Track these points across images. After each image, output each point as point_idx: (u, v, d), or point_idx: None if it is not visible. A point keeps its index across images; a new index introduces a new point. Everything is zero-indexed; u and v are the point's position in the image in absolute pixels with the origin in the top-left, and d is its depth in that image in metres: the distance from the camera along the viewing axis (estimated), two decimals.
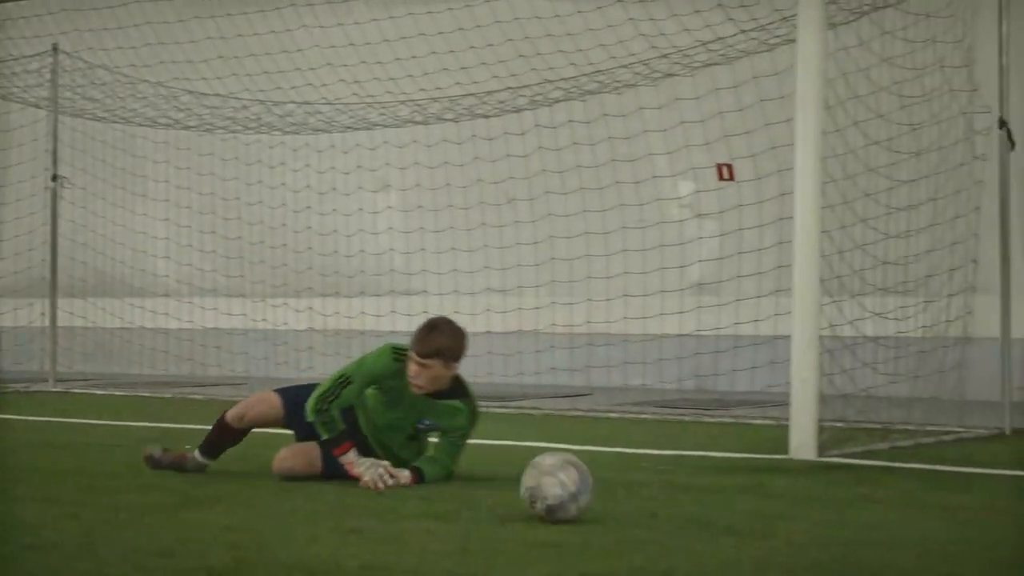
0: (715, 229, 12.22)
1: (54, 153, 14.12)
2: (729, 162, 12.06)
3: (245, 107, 12.77)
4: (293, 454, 6.87)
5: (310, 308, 13.74)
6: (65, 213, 14.70)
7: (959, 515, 6.00)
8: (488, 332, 12.67)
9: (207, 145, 14.00)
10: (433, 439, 6.90)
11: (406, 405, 6.74)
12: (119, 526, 5.50)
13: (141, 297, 15.31)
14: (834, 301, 8.83)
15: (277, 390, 6.96)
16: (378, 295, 13.47)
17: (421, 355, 6.55)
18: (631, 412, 10.76)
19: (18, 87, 13.95)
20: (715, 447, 8.59)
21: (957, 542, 5.28)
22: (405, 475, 6.60)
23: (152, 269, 15.23)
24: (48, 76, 13.81)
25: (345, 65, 12.05)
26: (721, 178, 12.35)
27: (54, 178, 14.08)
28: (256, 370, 14.07)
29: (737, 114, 11.14)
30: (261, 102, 12.68)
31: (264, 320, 13.94)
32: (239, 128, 13.28)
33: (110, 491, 6.48)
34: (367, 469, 6.51)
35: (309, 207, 13.59)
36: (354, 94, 12.18)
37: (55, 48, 13.69)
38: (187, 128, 13.48)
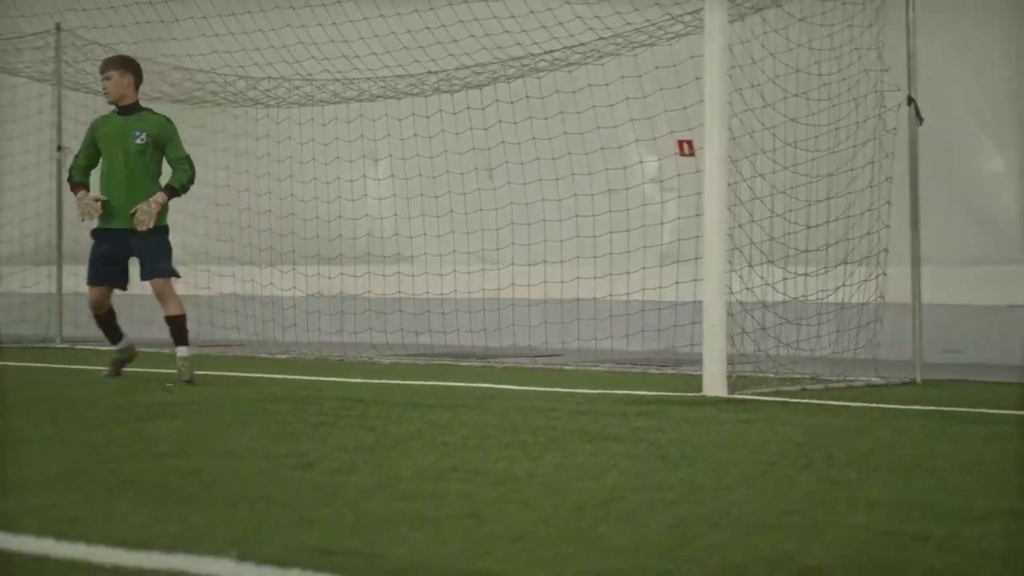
0: (676, 201, 12.70)
1: (58, 125, 14.98)
2: (690, 138, 12.61)
3: (230, 83, 13.59)
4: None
5: (293, 269, 14.49)
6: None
7: (830, 429, 6.93)
8: (456, 293, 13.49)
9: (199, 118, 14.76)
10: None
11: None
12: (89, 429, 6.53)
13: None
14: (750, 265, 9.71)
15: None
16: (357, 259, 14.18)
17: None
18: (584, 367, 11.59)
19: (23, 63, 14.76)
20: (643, 389, 9.42)
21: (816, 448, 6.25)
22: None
23: None
24: (52, 53, 14.68)
25: (316, 43, 12.84)
26: (682, 153, 12.93)
27: (59, 148, 14.94)
28: (253, 331, 14.67)
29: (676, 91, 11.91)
30: (243, 78, 13.49)
31: (252, 281, 14.68)
32: (224, 102, 14.11)
33: (85, 408, 7.53)
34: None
35: (291, 176, 14.36)
36: (325, 71, 13.00)
37: (58, 27, 14.58)
38: (177, 101, 14.26)
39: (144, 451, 5.79)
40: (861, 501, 4.54)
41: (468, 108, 13.11)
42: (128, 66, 9.91)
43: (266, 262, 14.63)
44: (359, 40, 12.65)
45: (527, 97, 12.81)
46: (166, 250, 9.74)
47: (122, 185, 9.61)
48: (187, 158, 9.75)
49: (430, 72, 12.51)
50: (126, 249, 9.72)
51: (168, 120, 9.84)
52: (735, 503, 4.51)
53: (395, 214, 14.04)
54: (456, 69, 12.35)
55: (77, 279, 15.91)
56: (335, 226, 14.21)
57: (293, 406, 7.89)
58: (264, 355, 12.99)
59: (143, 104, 9.98)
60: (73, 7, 14.20)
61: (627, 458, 5.73)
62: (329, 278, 14.26)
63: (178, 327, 9.82)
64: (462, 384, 9.72)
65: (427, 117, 13.38)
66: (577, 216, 12.86)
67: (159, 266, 9.68)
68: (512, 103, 12.89)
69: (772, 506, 4.46)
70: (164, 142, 9.68)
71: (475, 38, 12.02)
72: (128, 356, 10.31)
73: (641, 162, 12.93)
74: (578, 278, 12.94)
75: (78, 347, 14.51)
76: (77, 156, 10.10)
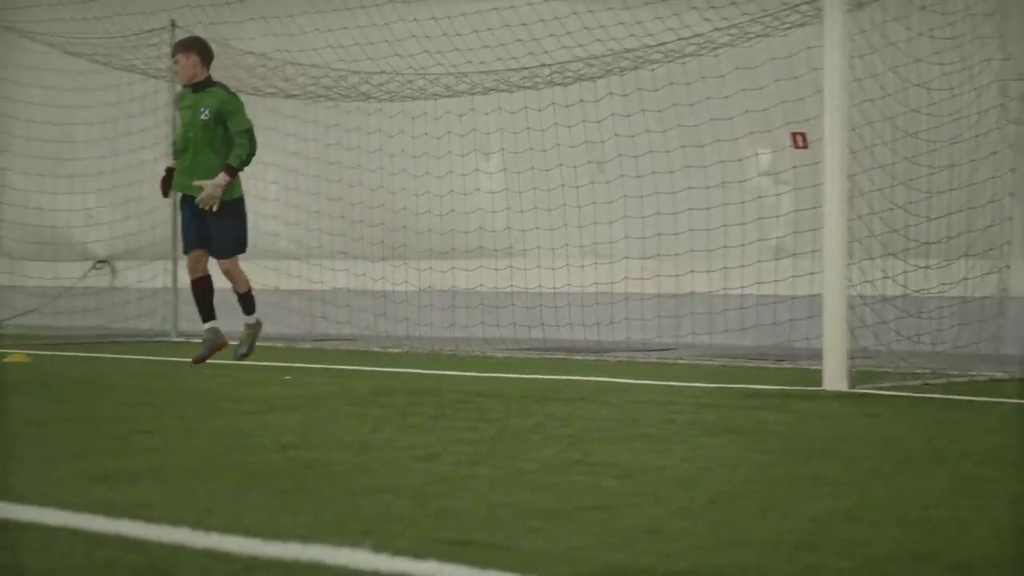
0: (792, 194, 12.52)
1: (173, 121, 15.11)
2: (804, 130, 12.42)
3: (343, 77, 13.62)
4: None
5: (404, 264, 14.51)
6: None
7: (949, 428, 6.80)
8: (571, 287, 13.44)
9: (311, 112, 14.83)
10: None
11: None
12: (217, 420, 6.57)
13: (256, 257, 16.01)
14: (870, 258, 9.56)
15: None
16: (469, 253, 14.17)
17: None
18: (698, 361, 11.46)
19: (139, 59, 14.91)
20: (760, 383, 9.31)
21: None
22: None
23: (265, 230, 15.98)
24: (166, 50, 14.82)
25: (429, 36, 12.84)
26: (796, 146, 12.73)
27: (174, 144, 15.13)
28: (363, 325, 14.75)
29: (791, 82, 11.75)
30: (356, 72, 13.51)
31: (363, 275, 14.74)
32: (337, 96, 14.14)
33: (205, 400, 7.59)
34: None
35: (404, 170, 14.38)
36: (439, 64, 12.98)
37: (173, 24, 14.72)
38: (290, 96, 14.34)
39: (269, 443, 5.79)
40: (1003, 496, 4.42)
41: (581, 101, 13.03)
42: (191, 47, 10.47)
43: (378, 256, 14.66)
44: (472, 33, 12.62)
45: (640, 89, 12.70)
46: (236, 227, 10.40)
47: (191, 156, 10.30)
48: (247, 131, 10.20)
49: (543, 65, 12.44)
50: (203, 214, 10.32)
51: (231, 94, 10.43)
52: (873, 497, 4.41)
53: (507, 208, 13.99)
54: (569, 61, 12.27)
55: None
56: (447, 220, 14.20)
57: (410, 399, 7.88)
58: (377, 349, 13.02)
59: (216, 79, 10.55)
60: (188, 4, 14.34)
61: (754, 452, 5.64)
62: (441, 272, 14.25)
63: (245, 299, 10.64)
64: (577, 378, 9.65)
65: (539, 110, 13.32)
66: (691, 210, 12.74)
67: (226, 246, 10.36)
68: (625, 95, 12.79)
69: (911, 500, 4.36)
70: (226, 115, 10.21)
71: (588, 30, 11.94)
72: (216, 341, 10.58)
73: (755, 154, 12.77)
74: (692, 272, 12.82)
75: (193, 340, 14.65)
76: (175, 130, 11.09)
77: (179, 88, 10.83)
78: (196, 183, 10.18)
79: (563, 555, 3.49)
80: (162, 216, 15.62)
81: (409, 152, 14.22)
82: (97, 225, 16.63)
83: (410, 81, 13.31)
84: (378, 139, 14.38)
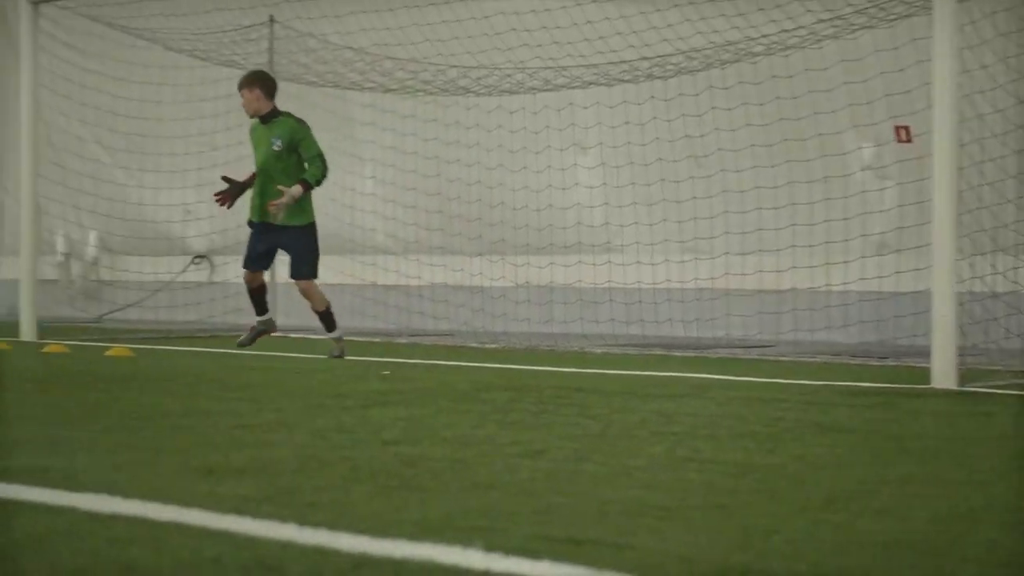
0: (896, 188, 12.30)
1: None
2: (907, 124, 12.17)
3: (441, 71, 13.56)
4: None
5: (502, 260, 14.45)
6: None
7: None
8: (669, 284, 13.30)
9: (409, 107, 14.80)
10: None
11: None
12: (311, 416, 6.54)
13: (354, 252, 16.03)
14: (979, 253, 9.35)
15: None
16: (567, 249, 14.08)
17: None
18: (800, 358, 11.28)
19: (239, 55, 14.96)
20: (866, 380, 9.13)
21: None
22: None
23: (362, 225, 15.97)
24: (266, 45, 14.87)
25: (528, 30, 12.75)
26: (900, 140, 12.48)
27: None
28: (460, 321, 14.73)
29: (897, 75, 11.53)
30: (455, 66, 13.45)
31: (461, 271, 14.70)
32: (436, 91, 14.09)
33: (306, 395, 7.58)
34: None
35: (501, 165, 14.30)
36: (538, 58, 12.88)
37: (271, 19, 14.75)
38: (388, 91, 14.30)
39: (370, 438, 5.74)
40: None
41: (680, 94, 12.89)
42: (254, 81, 10.99)
43: (475, 252, 14.60)
44: (572, 26, 12.52)
45: (741, 83, 12.52)
46: (311, 251, 10.87)
47: (265, 185, 10.79)
48: (320, 156, 10.75)
49: (643, 58, 12.31)
50: (274, 241, 10.90)
51: (300, 122, 10.88)
52: (996, 498, 4.27)
53: (605, 203, 13.87)
54: (670, 55, 12.12)
55: (290, 269, 16.16)
56: (545, 215, 14.11)
57: (510, 395, 7.80)
58: (474, 344, 12.97)
59: (281, 109, 11.00)
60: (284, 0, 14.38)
61: (866, 451, 5.51)
62: (539, 268, 14.17)
63: (325, 318, 11.07)
64: (677, 374, 9.53)
65: (639, 104, 13.19)
66: (792, 204, 12.54)
67: (302, 269, 10.90)
68: (726, 89, 12.63)
69: None
70: (297, 143, 10.74)
71: (690, 22, 11.79)
72: (266, 329, 11.37)
73: (859, 148, 12.55)
74: (793, 268, 12.63)
75: (291, 335, 14.69)
76: None
77: (252, 121, 11.18)
78: (271, 204, 10.63)
79: (681, 555, 3.39)
80: None
81: (507, 147, 14.14)
82: (195, 220, 16.71)
83: (509, 75, 13.23)
84: (476, 134, 14.31)
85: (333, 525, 3.70)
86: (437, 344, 13.19)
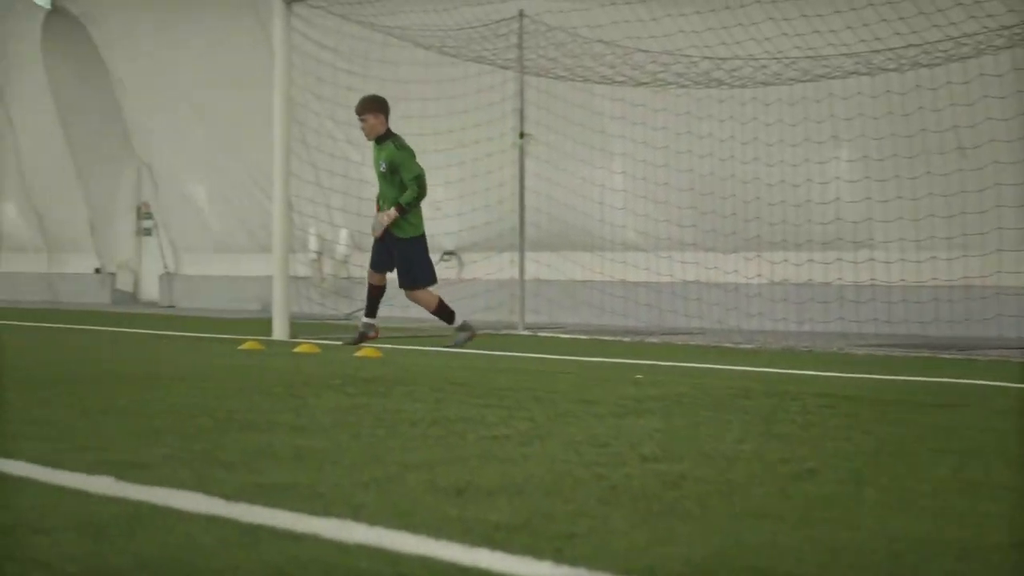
0: None
1: (520, 112, 14.98)
2: None
3: (694, 63, 13.15)
4: None
5: (758, 256, 14.01)
6: (532, 169, 15.48)
7: None
8: (934, 281, 12.67)
9: (660, 101, 14.43)
10: None
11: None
12: (562, 425, 6.22)
13: (603, 249, 15.79)
14: None
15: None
16: (825, 246, 13.57)
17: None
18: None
19: (488, 50, 14.80)
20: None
21: None
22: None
23: (612, 221, 15.71)
24: (515, 40, 14.67)
25: (787, 19, 12.21)
26: None
27: (521, 135, 14.95)
28: (711, 319, 14.37)
29: None
30: (709, 58, 13.02)
31: (715, 268, 14.31)
32: (688, 83, 13.68)
33: (556, 402, 7.28)
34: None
35: (756, 158, 13.84)
36: (796, 48, 12.33)
37: (521, 13, 14.54)
38: (640, 84, 13.96)
39: (627, 452, 5.39)
40: None
41: (948, 83, 12.22)
42: (380, 108, 11.99)
43: (730, 248, 14.16)
44: (834, 14, 11.98)
45: (1016, 69, 11.81)
46: (417, 261, 12.04)
47: (384, 201, 12.08)
48: (416, 178, 11.87)
49: (909, 45, 11.68)
50: (390, 249, 12.10)
51: (399, 148, 11.89)
52: None
53: (867, 198, 13.28)
54: (939, 41, 11.47)
55: (538, 265, 15.97)
56: (803, 211, 13.58)
57: (772, 402, 7.37)
58: (728, 344, 12.53)
59: (392, 131, 12.05)
60: None
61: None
62: (796, 265, 13.65)
63: (439, 315, 12.33)
64: (949, 380, 8.95)
65: (902, 94, 12.57)
66: None
67: (405, 279, 12.15)
68: (999, 76, 11.92)
69: None
70: (397, 166, 11.87)
71: (962, 6, 11.13)
72: (371, 333, 12.29)
73: None
74: None
75: (540, 334, 14.45)
76: None
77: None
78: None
79: None
80: (509, 207, 15.49)
81: (763, 140, 13.66)
82: (445, 217, 16.65)
83: (764, 66, 12.74)
84: (730, 127, 13.87)
85: (592, 561, 3.36)
86: (689, 344, 12.81)
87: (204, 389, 7.81)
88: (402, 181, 11.87)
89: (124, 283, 24.97)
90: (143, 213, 24.70)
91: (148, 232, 24.69)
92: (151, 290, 24.65)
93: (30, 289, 26.14)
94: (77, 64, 23.80)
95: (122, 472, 4.68)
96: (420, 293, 12.17)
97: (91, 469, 4.76)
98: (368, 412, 6.70)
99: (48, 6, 23.54)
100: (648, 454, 5.35)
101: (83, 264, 25.33)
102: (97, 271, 25.20)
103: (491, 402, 7.28)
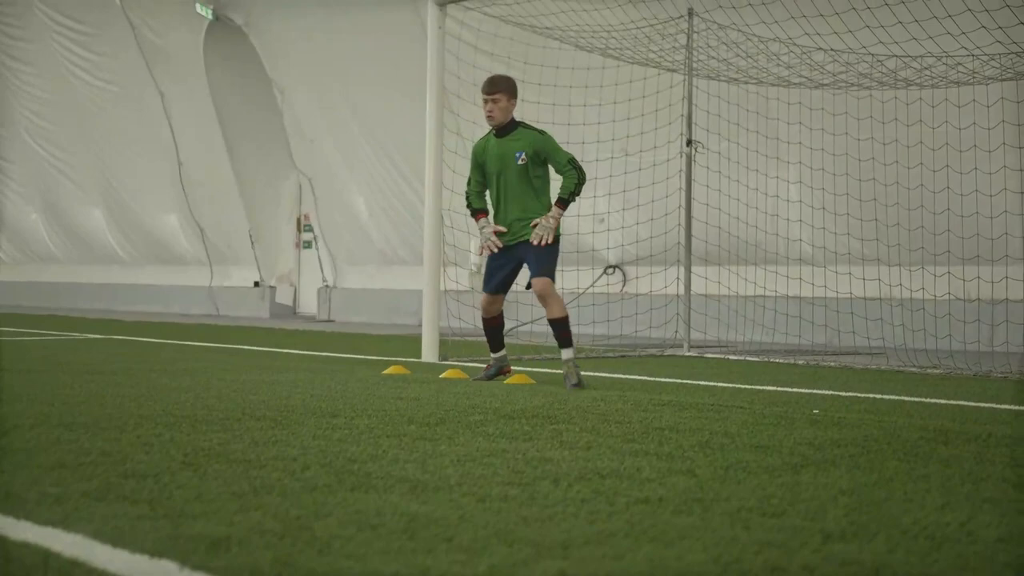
0: None
1: (688, 117, 14.05)
2: None
3: (880, 62, 12.09)
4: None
5: (948, 273, 12.94)
6: (699, 178, 14.58)
7: None
8: None
9: (840, 104, 13.42)
10: None
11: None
12: (730, 483, 5.27)
13: (775, 264, 14.94)
14: None
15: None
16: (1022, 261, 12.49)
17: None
18: None
19: (654, 51, 13.92)
20: None
21: None
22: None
23: (786, 234, 14.81)
24: (683, 40, 13.73)
25: (988, 9, 11.08)
26: None
27: (688, 143, 14.03)
28: (893, 339, 13.39)
29: None
30: (897, 56, 11.95)
31: (899, 285, 13.27)
32: (873, 84, 12.62)
33: (724, 448, 6.31)
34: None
35: (947, 166, 12.73)
36: (997, 42, 11.18)
37: (690, 12, 13.61)
38: (820, 86, 12.95)
39: (806, 527, 4.43)
40: None
41: None
42: (514, 91, 10.00)
43: (915, 263, 13.07)
44: None
45: None
46: (553, 256, 9.80)
47: (511, 204, 9.86)
48: (571, 161, 9.77)
49: None
50: (517, 259, 9.97)
51: (541, 133, 9.87)
52: None
53: None
54: None
55: (704, 281, 15.04)
56: (998, 223, 12.44)
57: (974, 449, 6.35)
58: (913, 369, 11.44)
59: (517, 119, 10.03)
60: None
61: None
62: (988, 281, 12.53)
63: (560, 329, 9.83)
64: None
65: None
66: None
67: (543, 268, 9.77)
68: None
69: None
70: (545, 154, 9.79)
71: None
72: (502, 369, 10.40)
73: None
74: None
75: (707, 355, 13.50)
76: (469, 182, 10.18)
77: (476, 140, 10.28)
78: (533, 223, 9.80)
79: None
80: (674, 221, 14.60)
81: (954, 146, 12.52)
82: (608, 230, 15.80)
83: (959, 63, 11.60)
84: (918, 131, 12.76)
85: None
86: (868, 367, 11.74)
87: (331, 428, 7.03)
88: (544, 173, 9.88)
89: (283, 296, 24.63)
90: (303, 225, 24.33)
91: (308, 245, 24.30)
92: (310, 303, 24.27)
93: (194, 302, 26.03)
94: (239, 75, 23.52)
95: (189, 554, 3.88)
96: (553, 290, 9.84)
97: (158, 548, 3.97)
98: (505, 463, 5.83)
99: (211, 17, 23.25)
100: (832, 530, 4.39)
101: (243, 277, 25.08)
102: (256, 284, 24.91)
103: (649, 448, 6.37)
